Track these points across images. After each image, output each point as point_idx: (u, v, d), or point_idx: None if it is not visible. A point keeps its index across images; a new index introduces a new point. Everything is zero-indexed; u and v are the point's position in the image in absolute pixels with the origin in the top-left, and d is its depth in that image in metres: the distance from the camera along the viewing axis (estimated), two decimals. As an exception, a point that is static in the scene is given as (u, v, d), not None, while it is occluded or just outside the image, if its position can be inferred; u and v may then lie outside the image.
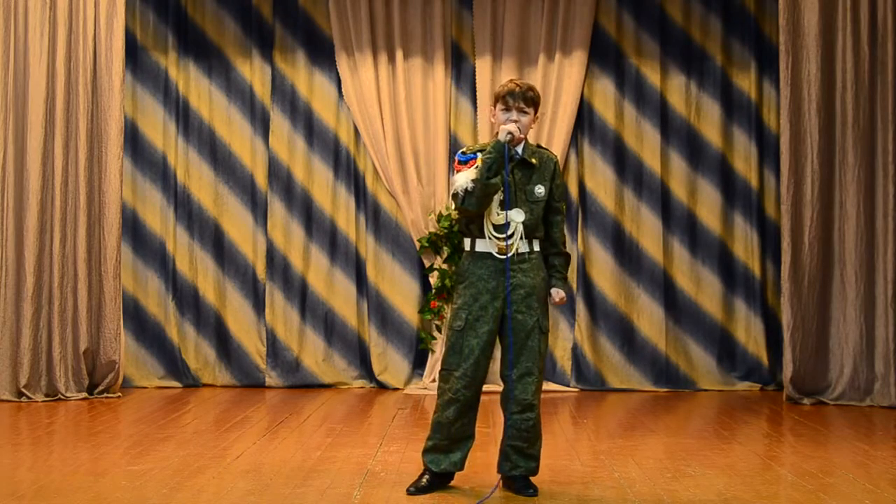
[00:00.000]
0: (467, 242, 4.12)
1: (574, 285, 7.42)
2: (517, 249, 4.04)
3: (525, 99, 4.07)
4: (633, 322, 7.43)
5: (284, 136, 7.51)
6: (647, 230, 7.44)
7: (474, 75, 7.38)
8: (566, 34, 7.35)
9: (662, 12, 7.51)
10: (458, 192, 3.98)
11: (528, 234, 4.07)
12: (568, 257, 4.23)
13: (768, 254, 7.47)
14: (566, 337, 7.43)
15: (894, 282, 6.64)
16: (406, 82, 7.35)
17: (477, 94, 7.32)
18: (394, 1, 7.38)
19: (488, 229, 4.04)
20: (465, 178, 3.98)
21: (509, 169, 4.02)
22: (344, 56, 7.37)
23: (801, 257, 6.71)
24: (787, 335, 6.71)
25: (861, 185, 6.72)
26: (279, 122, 7.52)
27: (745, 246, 7.47)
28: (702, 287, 7.47)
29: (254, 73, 7.55)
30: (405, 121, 7.30)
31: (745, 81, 7.52)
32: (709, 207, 7.48)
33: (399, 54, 7.35)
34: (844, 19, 6.75)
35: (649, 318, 7.40)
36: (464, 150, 4.15)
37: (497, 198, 4.01)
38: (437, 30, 7.40)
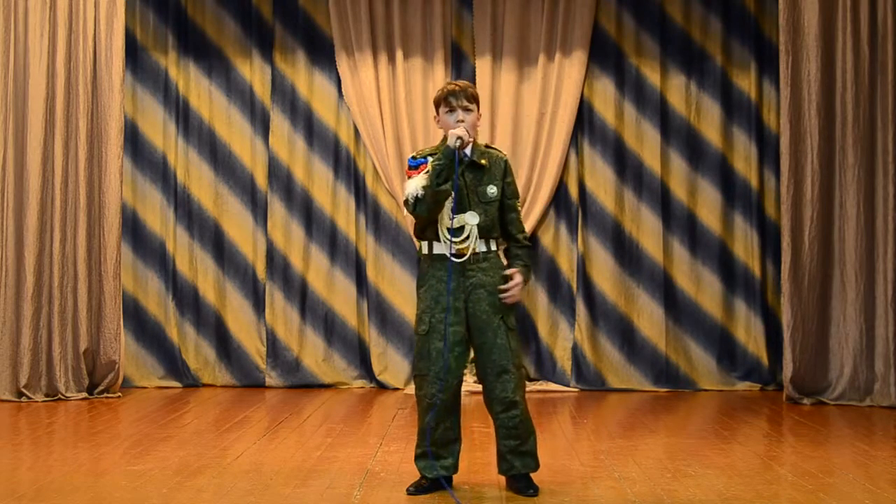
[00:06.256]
0: (424, 246, 4.13)
1: (574, 285, 7.42)
2: (474, 250, 4.05)
3: (467, 97, 4.08)
4: (633, 322, 7.42)
5: (284, 136, 7.51)
6: (647, 230, 7.44)
7: (474, 75, 7.37)
8: (566, 34, 7.35)
9: (662, 12, 7.50)
10: (408, 199, 3.99)
11: (484, 235, 4.08)
12: (530, 248, 4.23)
13: (768, 254, 7.46)
14: (566, 337, 7.43)
15: (894, 282, 6.63)
16: (406, 82, 7.35)
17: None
18: (394, 1, 7.38)
19: (443, 233, 4.04)
20: (415, 184, 3.98)
21: (460, 172, 4.02)
22: (344, 56, 7.37)
23: (801, 257, 6.71)
24: (787, 335, 6.70)
25: (861, 185, 6.71)
26: (279, 122, 7.52)
27: (745, 246, 7.47)
28: (702, 287, 7.46)
29: (254, 73, 7.55)
30: (405, 121, 7.30)
31: (745, 81, 7.51)
32: (709, 207, 7.48)
33: (399, 54, 7.35)
34: (844, 19, 6.74)
35: (649, 318, 7.40)
36: (414, 154, 4.17)
37: (448, 202, 4.00)
38: (437, 30, 7.40)
